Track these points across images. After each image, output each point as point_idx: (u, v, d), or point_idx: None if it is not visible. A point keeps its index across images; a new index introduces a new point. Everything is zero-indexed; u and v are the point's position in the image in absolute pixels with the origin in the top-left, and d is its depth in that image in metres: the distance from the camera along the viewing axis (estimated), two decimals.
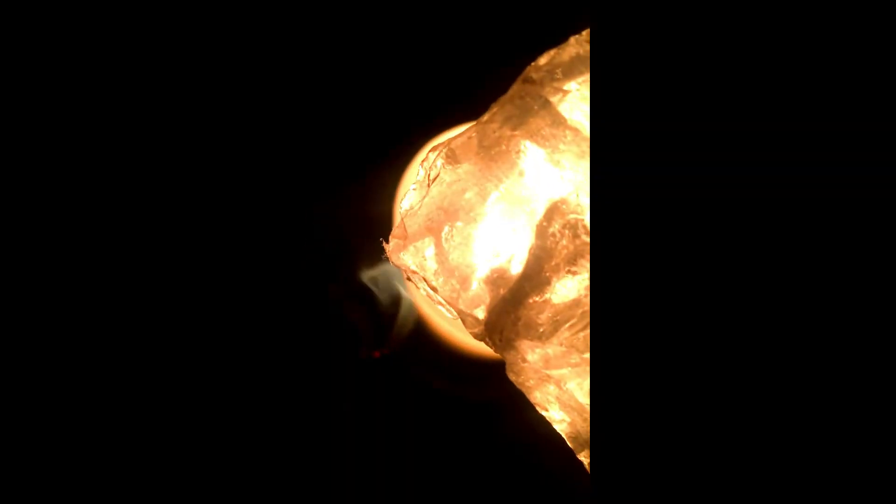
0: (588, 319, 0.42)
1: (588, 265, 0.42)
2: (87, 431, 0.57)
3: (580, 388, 0.42)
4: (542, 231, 0.42)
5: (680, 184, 0.36)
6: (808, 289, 0.36)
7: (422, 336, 0.59)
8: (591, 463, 0.42)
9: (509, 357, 0.44)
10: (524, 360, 0.43)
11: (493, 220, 0.44)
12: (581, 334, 0.42)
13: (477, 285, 0.44)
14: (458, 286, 0.44)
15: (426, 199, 0.45)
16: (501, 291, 0.43)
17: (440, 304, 0.46)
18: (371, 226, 0.52)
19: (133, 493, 0.58)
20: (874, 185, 0.36)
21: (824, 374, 0.35)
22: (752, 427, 0.36)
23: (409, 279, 0.46)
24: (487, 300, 0.44)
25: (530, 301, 0.43)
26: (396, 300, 0.56)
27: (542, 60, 0.43)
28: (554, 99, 0.42)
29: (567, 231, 0.42)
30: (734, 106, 0.36)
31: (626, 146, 0.37)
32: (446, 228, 0.44)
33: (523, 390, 0.44)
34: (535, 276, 0.43)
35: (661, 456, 0.36)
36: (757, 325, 0.36)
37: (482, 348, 0.53)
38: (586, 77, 0.42)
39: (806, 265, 0.36)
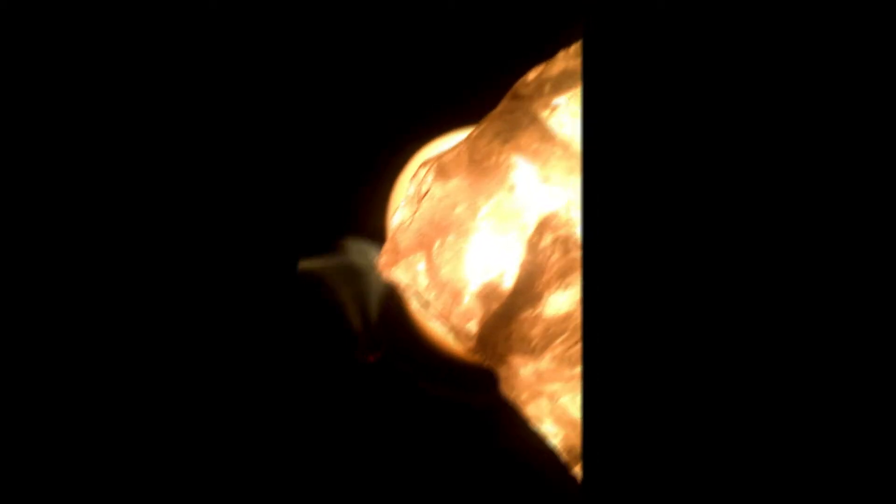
0: (579, 334, 0.42)
1: (579, 279, 0.42)
2: (83, 428, 0.57)
3: (573, 403, 0.42)
4: (532, 246, 0.43)
5: (671, 196, 0.36)
6: (802, 304, 0.36)
7: (417, 341, 0.59)
8: (582, 476, 0.42)
9: (502, 372, 0.44)
10: (517, 375, 0.43)
11: (484, 235, 0.44)
12: (573, 349, 0.42)
13: (469, 300, 0.44)
14: (450, 301, 0.44)
15: (417, 215, 0.45)
16: (493, 306, 0.44)
17: (433, 318, 0.46)
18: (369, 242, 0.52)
19: (129, 493, 0.57)
20: (872, 188, 0.36)
21: (819, 387, 0.35)
22: (744, 439, 0.36)
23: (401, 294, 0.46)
24: (479, 315, 0.44)
25: (522, 316, 0.43)
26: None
27: (531, 76, 0.43)
28: (543, 114, 0.42)
29: (558, 245, 0.42)
30: (726, 117, 0.36)
31: (617, 158, 0.37)
32: (437, 243, 0.45)
33: (516, 405, 0.44)
34: (527, 291, 0.43)
35: (653, 468, 0.36)
36: (750, 337, 0.36)
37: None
38: (575, 92, 0.42)
39: (800, 281, 0.36)
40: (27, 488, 0.57)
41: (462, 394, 0.59)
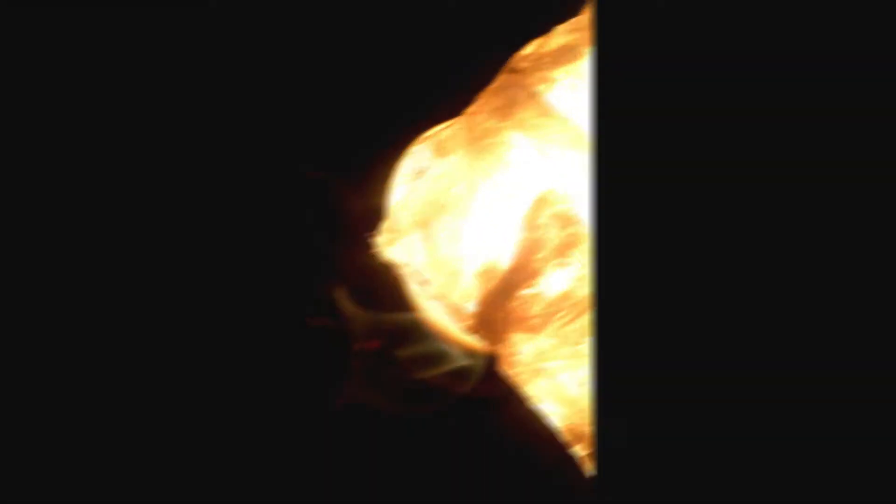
0: (578, 311, 0.41)
1: (578, 256, 0.41)
2: (79, 427, 0.57)
3: (573, 381, 0.42)
4: (530, 222, 0.42)
5: (681, 177, 0.36)
6: (809, 285, 0.35)
7: (415, 329, 0.59)
8: (595, 462, 0.42)
9: (501, 350, 0.43)
10: (516, 353, 0.43)
11: (483, 213, 0.44)
12: (572, 326, 0.42)
13: (468, 278, 0.44)
14: (448, 280, 0.44)
15: (415, 193, 0.44)
16: (492, 284, 0.43)
17: (431, 298, 0.45)
18: (363, 220, 0.52)
19: (127, 493, 0.57)
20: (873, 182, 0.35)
21: (826, 371, 0.35)
22: (753, 425, 0.35)
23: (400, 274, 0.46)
24: (478, 293, 0.44)
25: (521, 293, 0.42)
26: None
27: (528, 50, 0.42)
28: (540, 89, 0.42)
29: (555, 221, 0.42)
30: (732, 105, 0.36)
31: (627, 140, 0.36)
32: (436, 222, 0.44)
33: (516, 383, 0.43)
34: (525, 268, 0.42)
35: (663, 455, 0.35)
36: (758, 322, 0.35)
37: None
38: (572, 66, 0.42)
39: (808, 261, 0.35)
40: (28, 487, 0.57)
41: (461, 382, 0.58)
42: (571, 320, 0.42)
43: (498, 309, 0.43)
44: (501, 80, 0.43)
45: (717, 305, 0.35)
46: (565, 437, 0.43)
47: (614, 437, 0.36)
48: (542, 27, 0.43)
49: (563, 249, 0.41)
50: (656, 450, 0.35)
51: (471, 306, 0.44)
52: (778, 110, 0.36)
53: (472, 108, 0.43)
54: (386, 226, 0.45)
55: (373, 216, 0.47)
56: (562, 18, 0.42)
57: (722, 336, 0.35)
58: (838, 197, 0.35)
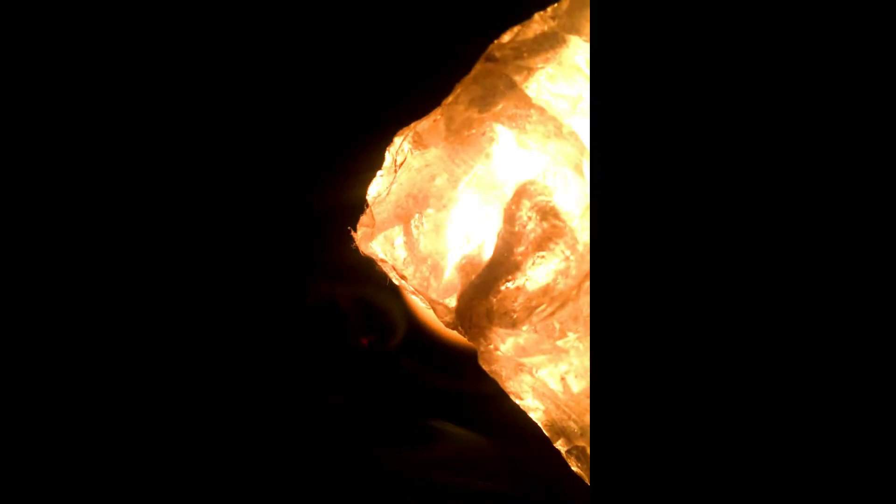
0: (559, 304, 0.40)
1: (558, 248, 0.40)
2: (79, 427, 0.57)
3: (553, 376, 0.41)
4: (510, 215, 0.41)
5: (680, 187, 0.35)
6: (807, 291, 0.34)
7: (411, 326, 0.58)
8: (591, 467, 0.41)
9: (481, 346, 0.42)
10: (496, 349, 0.42)
11: (464, 206, 0.43)
12: (552, 320, 0.41)
13: (449, 273, 0.43)
14: (428, 274, 0.43)
15: (394, 186, 0.43)
16: (472, 278, 0.42)
17: (412, 293, 0.44)
18: (346, 214, 0.51)
19: (124, 492, 0.57)
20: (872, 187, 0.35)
21: (824, 376, 0.34)
22: (752, 429, 0.34)
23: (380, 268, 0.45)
24: (458, 288, 0.43)
25: (501, 287, 0.41)
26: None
27: (506, 38, 0.41)
28: (518, 78, 0.41)
29: (535, 214, 0.41)
30: (729, 94, 0.35)
31: (625, 149, 0.35)
32: (416, 215, 0.43)
33: (497, 379, 0.43)
34: (505, 262, 0.41)
35: (661, 458, 0.35)
36: (758, 327, 0.34)
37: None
38: (551, 55, 0.41)
39: (804, 268, 0.35)
40: (30, 488, 0.57)
41: (453, 379, 0.58)
42: (552, 314, 0.41)
43: (478, 303, 0.42)
44: (478, 68, 0.42)
45: (717, 301, 0.35)
46: (547, 432, 0.42)
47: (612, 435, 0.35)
48: (519, 15, 0.42)
49: (544, 242, 0.40)
50: (653, 451, 0.35)
51: (451, 301, 0.43)
52: (773, 103, 0.35)
53: (449, 99, 0.43)
54: (365, 220, 0.44)
55: (353, 210, 0.46)
56: (540, 6, 0.41)
57: (721, 335, 0.35)
58: (836, 196, 0.35)
